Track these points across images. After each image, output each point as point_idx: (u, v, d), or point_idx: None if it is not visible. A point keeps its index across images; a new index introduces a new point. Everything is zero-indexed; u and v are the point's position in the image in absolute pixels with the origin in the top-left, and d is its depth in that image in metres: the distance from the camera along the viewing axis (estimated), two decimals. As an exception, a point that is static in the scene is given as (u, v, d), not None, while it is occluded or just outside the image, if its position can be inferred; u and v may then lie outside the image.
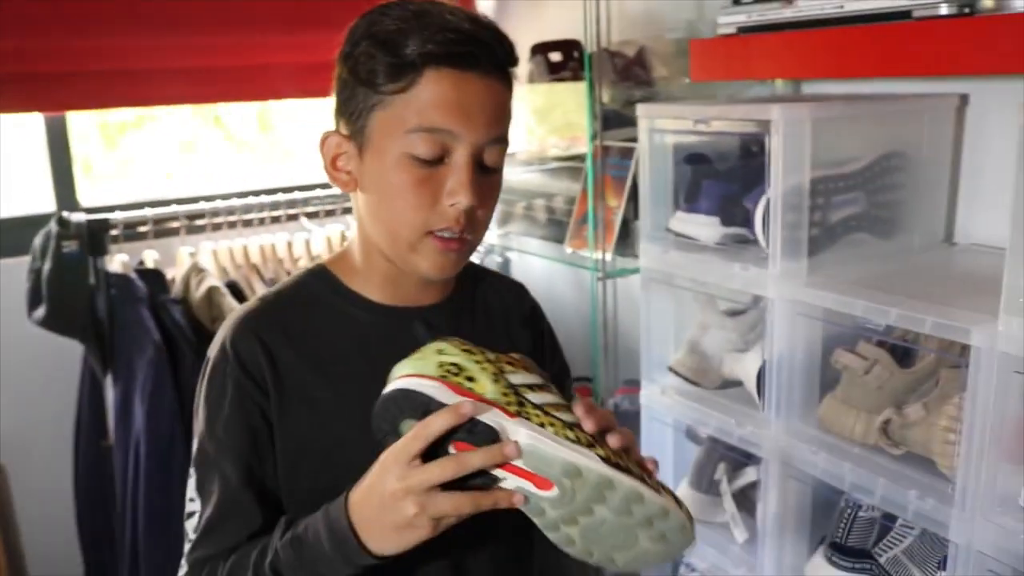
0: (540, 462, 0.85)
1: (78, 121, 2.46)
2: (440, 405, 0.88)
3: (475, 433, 0.87)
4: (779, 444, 1.47)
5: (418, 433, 0.87)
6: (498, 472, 0.87)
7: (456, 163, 0.98)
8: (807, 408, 1.46)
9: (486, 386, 0.89)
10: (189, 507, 1.05)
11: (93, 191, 2.54)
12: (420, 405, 0.88)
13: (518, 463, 0.86)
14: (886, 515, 1.38)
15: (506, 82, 1.02)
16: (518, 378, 0.91)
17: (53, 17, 2.16)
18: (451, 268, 1.05)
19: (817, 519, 1.53)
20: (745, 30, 1.57)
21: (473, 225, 1.03)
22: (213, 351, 1.07)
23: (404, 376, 0.92)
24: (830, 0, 1.40)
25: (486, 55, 0.99)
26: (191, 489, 1.05)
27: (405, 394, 0.90)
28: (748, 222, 1.50)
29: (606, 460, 0.85)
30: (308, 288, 1.11)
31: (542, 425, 0.86)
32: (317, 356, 1.06)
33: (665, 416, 1.73)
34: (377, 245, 1.06)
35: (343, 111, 1.03)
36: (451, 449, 0.87)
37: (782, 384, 1.45)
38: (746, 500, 1.64)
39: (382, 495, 0.89)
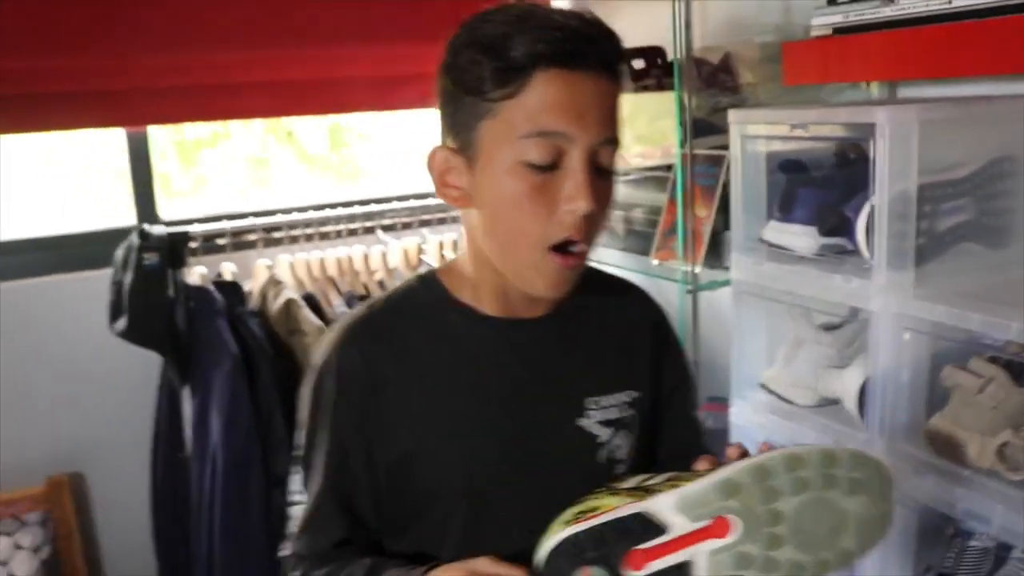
0: (697, 504, 0.83)
1: (157, 140, 2.48)
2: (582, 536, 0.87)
3: (627, 531, 0.85)
4: (882, 467, 1.38)
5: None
6: (678, 555, 0.83)
7: (571, 167, 0.94)
8: (913, 428, 1.38)
9: (615, 500, 0.89)
10: (298, 497, 1.09)
11: (170, 208, 2.56)
12: (572, 548, 0.88)
13: (683, 530, 0.83)
14: (1001, 544, 1.29)
15: (616, 80, 0.98)
16: (651, 481, 0.90)
17: (135, 35, 2.18)
18: (568, 285, 1.01)
19: (922, 547, 1.43)
20: (841, 31, 1.50)
21: (591, 232, 0.99)
22: (320, 358, 1.06)
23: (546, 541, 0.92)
24: (936, -4, 1.33)
25: (595, 53, 0.95)
26: (299, 483, 1.09)
27: (555, 552, 0.89)
28: (848, 231, 1.43)
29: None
30: (417, 296, 1.09)
31: (674, 487, 0.85)
32: (421, 368, 1.04)
33: (756, 435, 1.65)
34: (490, 260, 1.02)
35: (450, 125, 0.99)
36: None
37: (886, 402, 1.37)
38: (844, 525, 1.56)
39: None
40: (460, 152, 0.98)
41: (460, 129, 0.97)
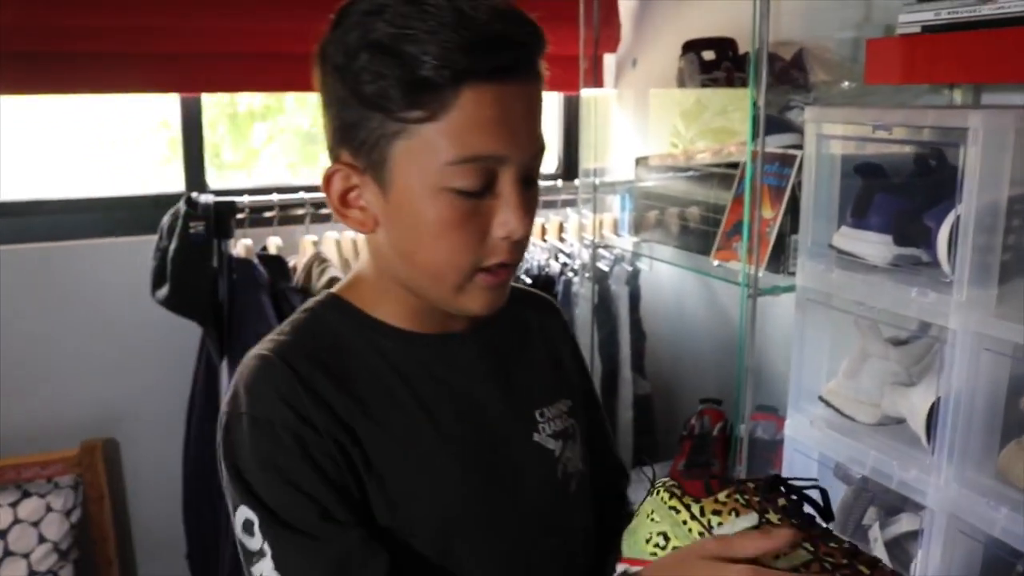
0: None
1: (208, 110, 2.45)
2: None
3: None
4: (949, 493, 1.30)
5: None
6: None
7: (504, 190, 0.84)
8: (985, 455, 1.30)
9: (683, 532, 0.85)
10: None
11: (220, 179, 2.53)
12: None
13: None
14: (1075, 586, 1.21)
15: (540, 79, 0.86)
16: (726, 528, 0.83)
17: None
18: (500, 302, 0.92)
19: (986, 581, 1.36)
20: (932, 29, 1.41)
21: (522, 249, 0.90)
22: (240, 403, 0.87)
23: (621, 560, 0.89)
24: (1038, -4, 1.24)
25: (524, 57, 0.83)
26: (268, 569, 0.84)
27: None
28: (927, 242, 1.34)
29: None
30: (328, 320, 0.95)
31: None
32: (355, 390, 0.91)
33: (811, 450, 1.58)
34: (404, 284, 0.92)
35: (345, 137, 0.86)
36: None
37: (958, 426, 1.29)
38: (901, 551, 1.48)
39: None
40: (365, 171, 0.86)
41: (364, 146, 0.85)
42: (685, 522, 0.86)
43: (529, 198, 0.88)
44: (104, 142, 2.51)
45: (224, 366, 2.16)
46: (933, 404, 1.34)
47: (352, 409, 0.90)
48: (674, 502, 0.89)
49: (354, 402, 0.90)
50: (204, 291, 2.11)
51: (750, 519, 0.83)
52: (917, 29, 1.44)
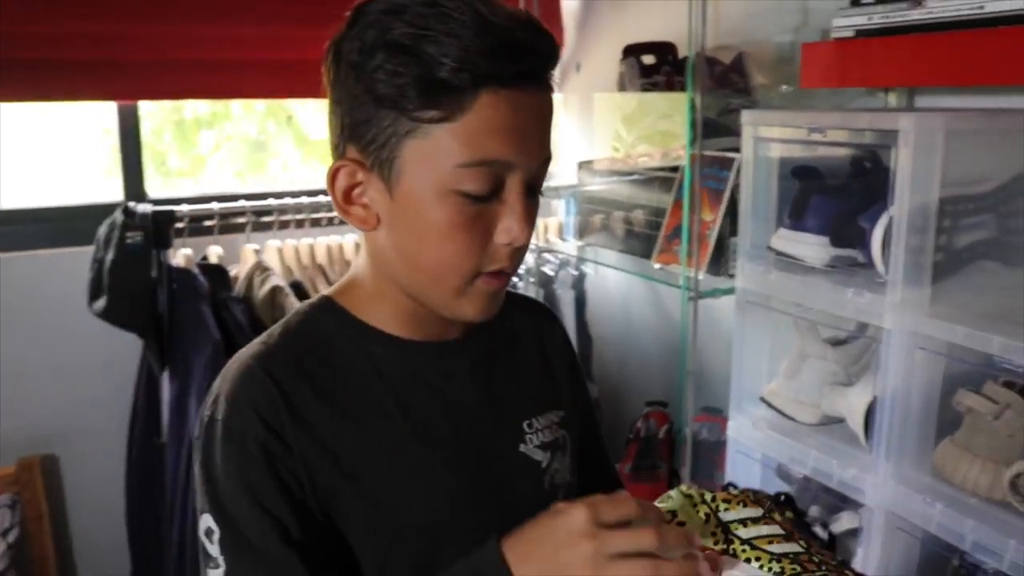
0: None
1: (153, 117, 2.41)
2: None
3: None
4: (887, 491, 1.32)
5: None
6: None
7: (510, 197, 0.84)
8: (921, 453, 1.32)
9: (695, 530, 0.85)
10: None
11: (167, 187, 2.49)
12: None
13: None
14: (1009, 579, 1.23)
15: (551, 89, 0.87)
16: (731, 515, 0.86)
17: (129, 4, 2.11)
18: (497, 307, 0.92)
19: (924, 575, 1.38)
20: (865, 33, 1.43)
21: (521, 256, 0.90)
22: (218, 409, 0.87)
23: None
24: (967, 0, 1.26)
25: (540, 66, 0.84)
26: None
27: None
28: (862, 243, 1.36)
29: None
30: (319, 325, 0.94)
31: (748, 560, 0.83)
32: (340, 400, 0.90)
33: (753, 451, 1.59)
34: (402, 286, 0.91)
35: (354, 134, 0.85)
36: None
37: (894, 424, 1.31)
38: (841, 548, 1.49)
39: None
40: (372, 168, 0.86)
41: (374, 143, 0.84)
42: (695, 505, 0.89)
43: (532, 206, 0.88)
44: (47, 152, 2.45)
45: (165, 377, 2.12)
46: (870, 403, 1.35)
47: (335, 421, 0.89)
48: (690, 492, 0.92)
49: (338, 413, 0.89)
50: (142, 302, 2.07)
51: (755, 511, 0.86)
52: (851, 33, 1.46)
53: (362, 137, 0.84)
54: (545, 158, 0.87)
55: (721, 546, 0.82)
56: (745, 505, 0.87)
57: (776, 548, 0.82)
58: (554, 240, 2.43)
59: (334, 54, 0.85)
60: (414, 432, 0.92)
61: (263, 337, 0.93)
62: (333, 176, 0.88)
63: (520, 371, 1.04)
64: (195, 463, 0.88)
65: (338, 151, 0.88)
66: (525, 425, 1.00)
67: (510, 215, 0.85)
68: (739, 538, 0.83)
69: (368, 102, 0.82)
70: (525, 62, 0.81)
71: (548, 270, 2.39)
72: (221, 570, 0.83)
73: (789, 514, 0.88)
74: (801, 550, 0.84)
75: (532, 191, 0.87)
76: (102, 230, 2.08)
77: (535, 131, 0.84)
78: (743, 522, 0.85)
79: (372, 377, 0.92)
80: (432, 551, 0.91)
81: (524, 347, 1.07)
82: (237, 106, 2.71)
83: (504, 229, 0.85)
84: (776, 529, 0.85)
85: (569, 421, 1.06)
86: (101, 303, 2.05)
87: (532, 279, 2.29)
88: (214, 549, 0.84)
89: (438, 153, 0.81)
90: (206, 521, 0.85)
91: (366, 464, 0.89)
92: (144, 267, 2.07)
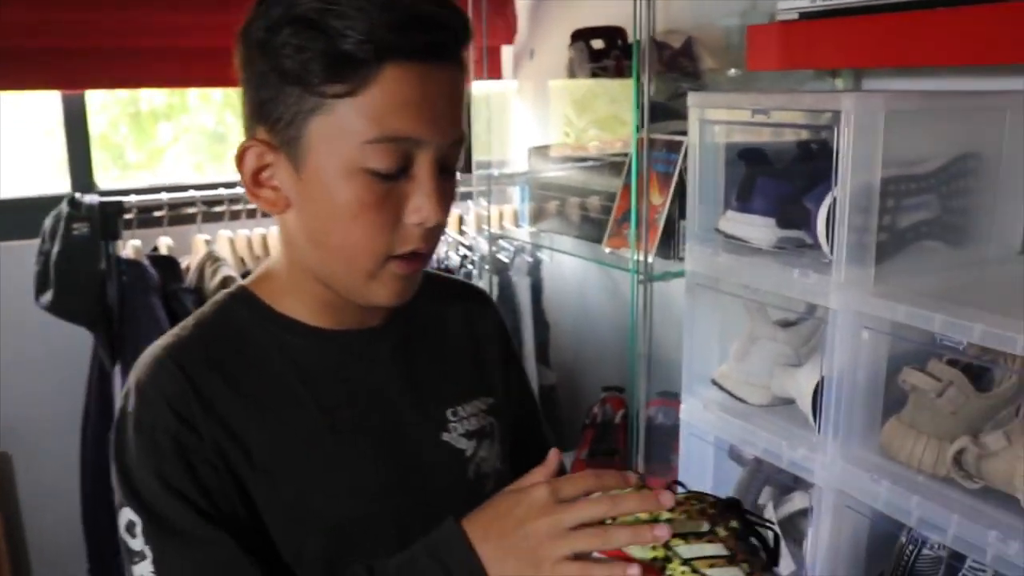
0: None
1: (108, 109, 2.36)
2: None
3: None
4: (835, 470, 1.33)
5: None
6: None
7: (420, 174, 0.83)
8: (868, 431, 1.33)
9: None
10: None
11: (124, 181, 2.45)
12: None
13: None
14: (954, 554, 1.25)
15: (463, 68, 0.87)
16: (676, 527, 0.81)
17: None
18: (411, 291, 0.91)
19: (874, 554, 1.39)
20: (808, 15, 1.44)
21: (435, 238, 0.89)
22: (129, 401, 0.87)
23: None
24: (908, -19, 1.27)
25: (452, 41, 0.83)
26: (147, 571, 0.84)
27: None
28: (808, 224, 1.37)
29: None
30: (234, 315, 0.93)
31: None
32: (254, 392, 0.89)
33: (706, 433, 1.59)
34: (314, 271, 0.90)
35: (264, 114, 0.84)
36: None
37: (841, 404, 1.31)
38: (793, 528, 1.51)
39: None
40: (280, 148, 0.84)
41: (280, 122, 0.83)
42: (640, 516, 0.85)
43: (446, 187, 0.87)
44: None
45: (117, 371, 2.09)
46: (818, 384, 1.36)
47: (247, 412, 0.88)
48: (632, 488, 0.87)
49: (251, 404, 0.89)
50: (91, 294, 2.04)
51: (700, 525, 0.82)
52: (795, 16, 1.46)
53: (269, 116, 0.83)
54: (457, 137, 0.86)
55: (660, 562, 0.79)
56: (690, 516, 0.83)
57: (716, 573, 0.79)
58: (509, 227, 2.43)
59: (243, 35, 0.84)
60: (330, 423, 0.91)
61: (176, 328, 0.92)
62: (240, 157, 0.87)
63: (445, 357, 1.03)
64: (111, 458, 0.87)
65: (248, 134, 0.88)
66: (449, 413, 1.00)
67: (420, 194, 0.84)
68: (679, 556, 0.80)
69: (274, 80, 0.82)
70: (431, 35, 0.81)
71: (503, 257, 2.38)
72: (148, 560, 0.83)
73: (735, 523, 0.85)
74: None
75: (445, 170, 0.86)
76: (48, 222, 2.06)
77: (444, 107, 0.83)
78: (685, 537, 0.81)
79: (287, 368, 0.91)
80: (347, 543, 0.90)
81: (452, 333, 1.06)
82: (194, 97, 2.67)
83: (414, 208, 0.84)
84: (720, 549, 0.81)
85: (499, 408, 1.05)
86: (48, 296, 2.02)
87: (487, 266, 2.28)
88: (137, 542, 0.83)
89: (344, 130, 0.81)
90: (126, 515, 0.84)
91: (279, 457, 0.89)
92: (91, 259, 2.04)
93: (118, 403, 0.89)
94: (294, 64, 0.80)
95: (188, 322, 0.93)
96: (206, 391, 0.87)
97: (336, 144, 0.81)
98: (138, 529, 0.84)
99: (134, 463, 0.85)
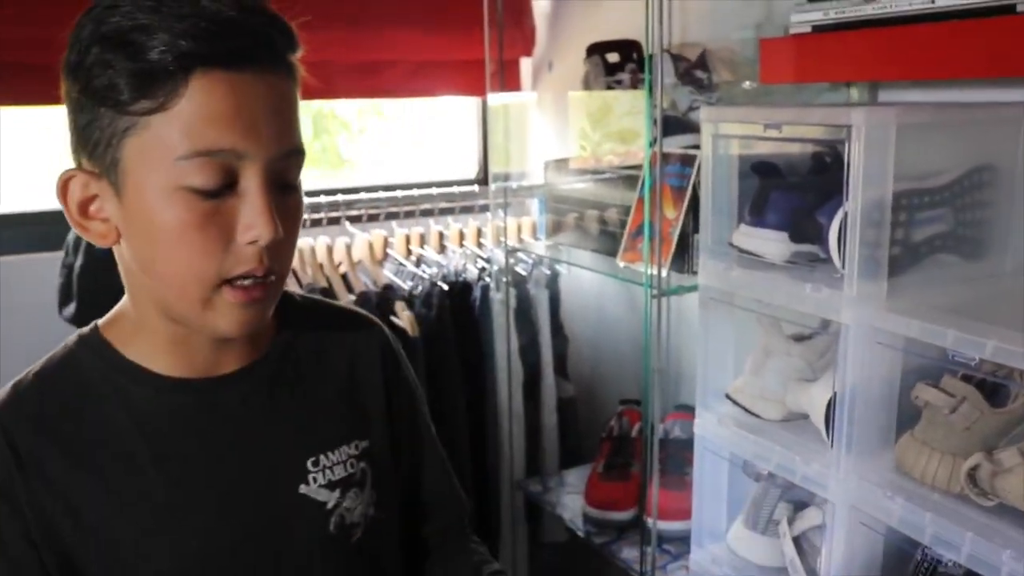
0: None
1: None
2: None
3: None
4: (849, 486, 1.32)
5: None
6: None
7: (247, 189, 0.80)
8: (881, 447, 1.32)
9: None
10: None
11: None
12: None
13: None
14: (969, 573, 1.23)
15: (291, 76, 0.84)
16: None
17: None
18: (256, 321, 0.86)
19: (888, 571, 1.37)
20: (821, 28, 1.43)
21: (279, 259, 0.84)
22: None
23: None
24: (919, -5, 1.26)
25: (263, 46, 0.80)
26: None
27: None
28: (821, 238, 1.36)
29: None
30: (78, 364, 0.90)
31: None
32: (88, 451, 0.86)
33: (721, 448, 1.58)
34: (156, 305, 0.86)
35: (83, 143, 0.81)
36: None
37: (854, 419, 1.30)
38: (808, 545, 1.49)
39: None
40: (101, 176, 0.81)
41: (98, 147, 0.80)
42: None
43: (283, 202, 0.83)
44: (34, 157, 2.44)
45: (137, 384, 2.11)
46: (831, 399, 1.35)
47: (77, 473, 0.85)
48: None
49: (81, 465, 0.86)
50: (111, 307, 2.05)
51: None
52: (808, 29, 1.46)
53: (87, 142, 0.81)
54: (287, 149, 0.82)
55: None
56: None
57: None
58: (527, 240, 2.43)
59: (63, 64, 0.82)
60: (172, 479, 0.88)
61: (16, 380, 0.89)
62: (63, 188, 0.83)
63: (313, 401, 0.98)
64: None
65: (75, 164, 0.85)
66: (309, 463, 0.95)
67: (250, 210, 0.80)
68: None
69: (88, 103, 0.79)
70: (234, 42, 0.78)
71: (521, 270, 2.38)
72: None
73: None
74: None
75: (284, 186, 0.83)
76: (71, 235, 2.08)
77: (263, 117, 0.80)
78: None
79: (126, 424, 0.88)
80: None
81: (330, 371, 1.01)
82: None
83: (246, 226, 0.81)
84: None
85: (374, 451, 1.01)
86: (71, 309, 2.04)
87: (504, 279, 2.28)
88: None
89: (157, 147, 0.78)
90: None
91: (112, 516, 0.86)
92: (113, 272, 2.05)
93: None
94: (103, 83, 0.77)
95: (32, 371, 0.90)
96: (34, 455, 0.84)
97: (152, 164, 0.78)
98: None
99: None
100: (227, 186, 0.80)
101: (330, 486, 0.95)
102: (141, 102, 0.77)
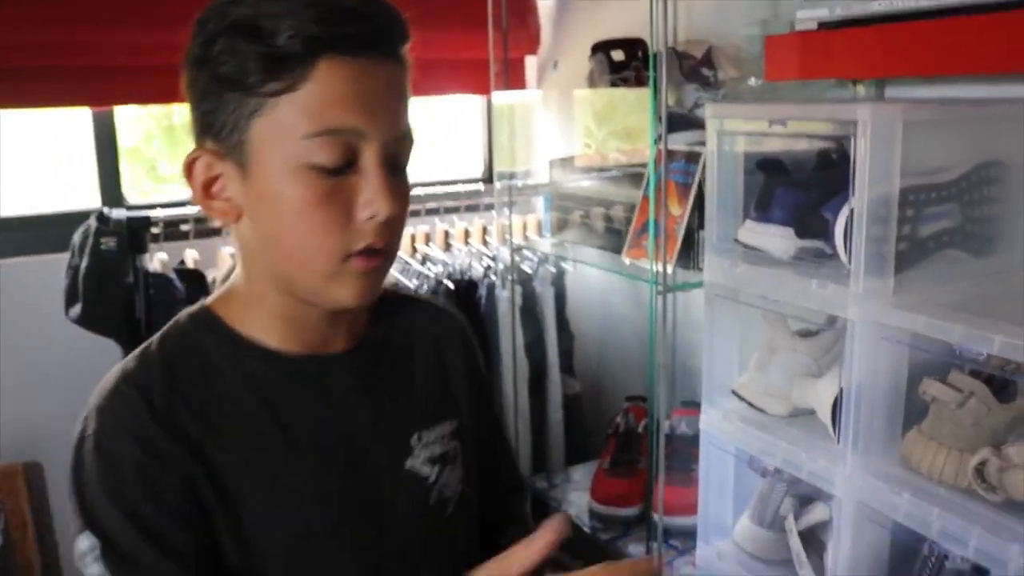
0: None
1: (141, 123, 2.40)
2: None
3: None
4: (855, 482, 1.32)
5: None
6: None
7: (367, 167, 0.84)
8: (888, 443, 1.32)
9: None
10: None
11: (156, 193, 2.49)
12: None
13: None
14: (976, 567, 1.23)
15: (403, 66, 0.88)
16: None
17: (102, 9, 2.11)
18: (372, 293, 0.90)
19: (895, 566, 1.37)
20: (827, 25, 1.43)
21: (393, 236, 0.88)
22: (89, 425, 0.86)
23: None
24: (925, -9, 1.26)
25: (383, 36, 0.85)
26: None
27: None
28: (827, 234, 1.36)
29: None
30: (195, 338, 0.93)
31: None
32: (215, 419, 0.89)
33: (726, 444, 1.59)
34: (275, 281, 0.89)
35: (208, 125, 0.85)
36: None
37: (861, 415, 1.30)
38: (814, 540, 1.49)
39: None
40: (227, 156, 0.85)
41: (224, 129, 0.84)
42: None
43: (396, 181, 0.86)
44: (36, 160, 2.45)
45: (144, 383, 2.12)
46: (837, 394, 1.35)
47: (210, 440, 0.88)
48: None
49: (212, 432, 0.88)
50: (118, 307, 2.07)
51: None
52: (814, 25, 1.46)
53: (213, 126, 0.84)
54: (401, 133, 0.86)
55: None
56: None
57: None
58: (532, 237, 2.43)
59: (185, 58, 0.86)
60: (290, 453, 0.90)
61: (140, 350, 0.92)
62: (189, 168, 0.87)
63: (412, 382, 1.02)
64: (69, 482, 0.86)
65: (197, 147, 0.88)
66: (413, 440, 0.99)
67: (369, 187, 0.84)
68: None
69: (214, 89, 0.83)
70: (357, 27, 0.81)
71: (526, 267, 2.39)
72: None
73: None
74: None
75: (395, 168, 0.86)
76: (77, 236, 2.09)
77: (382, 101, 0.84)
78: None
79: (248, 396, 0.91)
80: (305, 572, 0.90)
81: (420, 356, 1.05)
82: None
83: (365, 202, 0.84)
84: None
85: (464, 430, 1.05)
86: (77, 309, 2.05)
87: (510, 276, 2.29)
88: (96, 568, 0.83)
89: (284, 127, 0.81)
90: (84, 540, 0.84)
91: (243, 486, 0.88)
92: (119, 273, 2.07)
93: (77, 427, 0.88)
94: (231, 69, 0.81)
95: (153, 342, 0.93)
96: (170, 418, 0.86)
97: (278, 143, 0.82)
98: (96, 555, 0.83)
99: (93, 487, 0.85)
100: (347, 164, 0.83)
101: (431, 461, 1.00)
102: (269, 84, 0.80)
